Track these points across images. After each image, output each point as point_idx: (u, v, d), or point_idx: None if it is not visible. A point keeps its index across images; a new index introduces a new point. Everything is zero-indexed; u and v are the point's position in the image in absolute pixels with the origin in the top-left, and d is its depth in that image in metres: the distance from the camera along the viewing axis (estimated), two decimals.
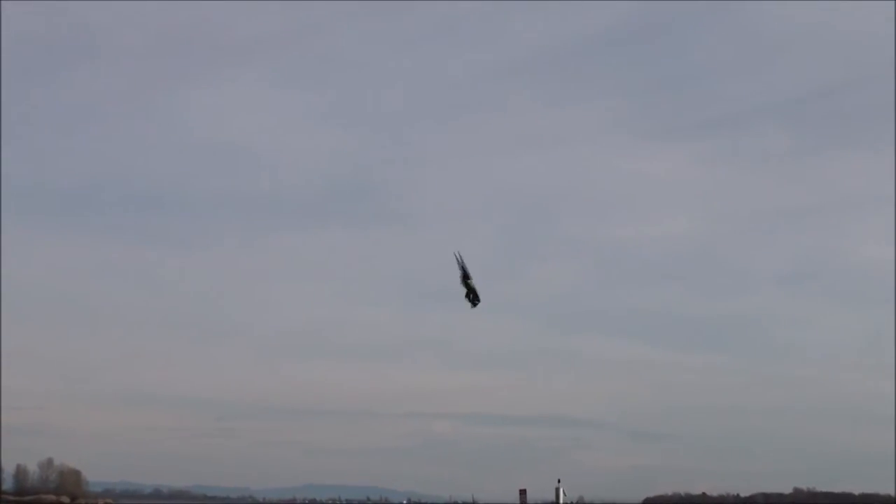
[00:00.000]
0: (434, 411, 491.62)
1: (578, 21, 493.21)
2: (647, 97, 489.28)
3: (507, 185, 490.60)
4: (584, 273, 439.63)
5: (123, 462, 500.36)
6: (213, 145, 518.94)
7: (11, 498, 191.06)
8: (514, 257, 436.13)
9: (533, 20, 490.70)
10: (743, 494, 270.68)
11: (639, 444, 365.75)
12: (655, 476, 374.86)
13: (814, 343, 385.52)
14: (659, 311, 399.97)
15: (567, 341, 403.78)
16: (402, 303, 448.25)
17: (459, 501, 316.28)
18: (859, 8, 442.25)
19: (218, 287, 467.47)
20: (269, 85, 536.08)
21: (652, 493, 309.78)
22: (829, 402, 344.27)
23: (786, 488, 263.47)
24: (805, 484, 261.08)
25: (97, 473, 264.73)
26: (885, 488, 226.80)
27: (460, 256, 33.87)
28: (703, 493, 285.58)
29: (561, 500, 46.73)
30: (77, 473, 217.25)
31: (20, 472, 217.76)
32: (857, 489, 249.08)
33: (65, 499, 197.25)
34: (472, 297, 34.40)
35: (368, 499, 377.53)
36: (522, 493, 48.16)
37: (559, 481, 46.61)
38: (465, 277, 34.08)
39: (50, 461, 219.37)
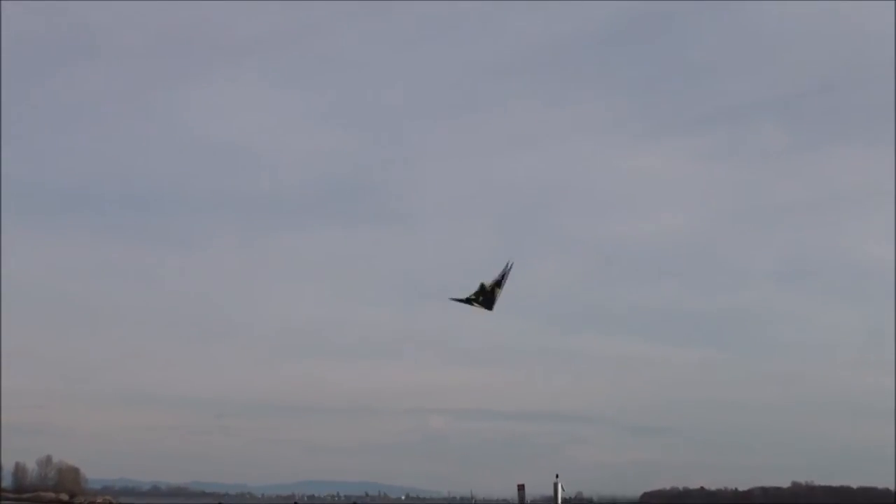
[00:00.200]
0: (432, 408, 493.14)
1: (576, 19, 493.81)
2: (646, 94, 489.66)
3: (506, 183, 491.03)
4: (583, 270, 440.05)
5: (122, 459, 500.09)
6: (212, 145, 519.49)
7: (11, 496, 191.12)
8: (512, 254, 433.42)
9: (531, 19, 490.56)
10: (741, 489, 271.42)
11: (637, 440, 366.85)
12: (653, 471, 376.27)
13: (812, 338, 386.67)
14: (658, 307, 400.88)
15: (565, 337, 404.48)
16: (400, 301, 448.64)
17: (458, 497, 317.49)
18: (858, 5, 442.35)
19: (217, 286, 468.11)
20: (268, 84, 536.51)
21: (650, 488, 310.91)
22: (828, 397, 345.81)
23: (784, 482, 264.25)
24: (803, 478, 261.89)
25: (96, 471, 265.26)
26: (883, 482, 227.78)
27: (510, 267, 33.82)
28: (702, 488, 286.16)
29: (559, 496, 46.84)
30: (76, 471, 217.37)
31: (19, 470, 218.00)
32: (855, 483, 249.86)
33: (63, 496, 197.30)
34: (487, 302, 34.25)
35: (367, 495, 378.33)
36: (521, 488, 48.29)
37: (557, 476, 46.74)
38: (497, 284, 33.96)
39: (49, 459, 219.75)
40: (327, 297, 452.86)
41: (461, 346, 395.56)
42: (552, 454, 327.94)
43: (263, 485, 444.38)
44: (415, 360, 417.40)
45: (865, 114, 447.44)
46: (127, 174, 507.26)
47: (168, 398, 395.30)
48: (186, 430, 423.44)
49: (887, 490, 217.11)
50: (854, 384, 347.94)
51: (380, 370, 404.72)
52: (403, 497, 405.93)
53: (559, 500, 47.15)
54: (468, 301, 34.29)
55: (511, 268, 34.73)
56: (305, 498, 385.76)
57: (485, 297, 35.07)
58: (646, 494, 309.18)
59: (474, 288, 34.91)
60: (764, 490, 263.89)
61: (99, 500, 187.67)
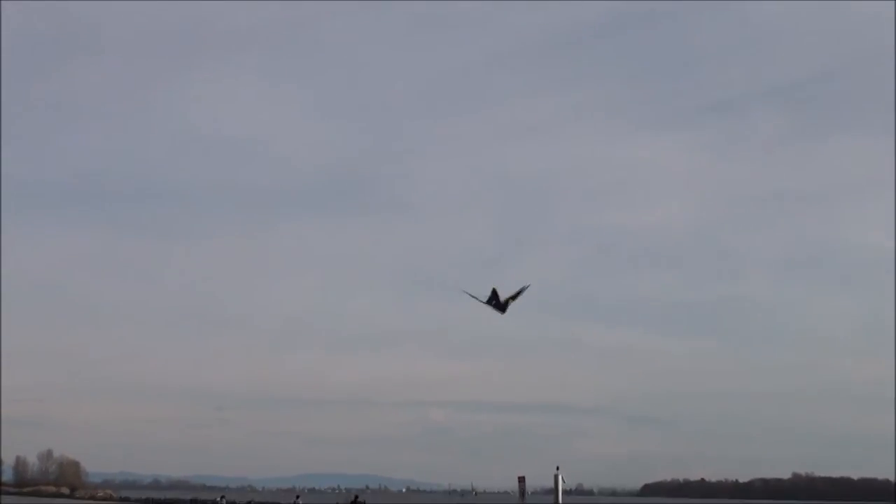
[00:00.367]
0: (432, 399, 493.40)
1: (574, 8, 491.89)
2: (644, 84, 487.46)
3: (504, 173, 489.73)
4: (582, 260, 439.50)
5: (122, 453, 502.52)
6: (212, 137, 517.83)
7: (11, 489, 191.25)
8: (510, 245, 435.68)
9: (528, 8, 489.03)
10: (741, 480, 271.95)
11: (637, 431, 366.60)
12: (654, 462, 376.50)
13: (812, 328, 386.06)
14: (657, 298, 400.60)
15: (564, 329, 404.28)
16: (399, 292, 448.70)
17: (458, 489, 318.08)
18: None
19: (216, 279, 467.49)
20: (267, 77, 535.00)
21: (650, 480, 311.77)
22: (828, 388, 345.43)
23: (784, 474, 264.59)
24: (804, 469, 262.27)
25: (96, 464, 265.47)
26: (884, 473, 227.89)
27: (527, 288, 33.63)
28: (702, 479, 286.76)
29: (560, 488, 46.68)
30: (76, 465, 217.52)
31: (20, 464, 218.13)
32: (856, 474, 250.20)
33: (64, 490, 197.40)
34: (499, 304, 33.97)
35: (367, 487, 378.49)
36: (521, 480, 48.15)
37: (558, 468, 46.51)
38: (512, 298, 33.72)
39: (49, 453, 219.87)
40: (327, 289, 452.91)
41: (461, 338, 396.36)
42: (553, 446, 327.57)
43: (264, 477, 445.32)
44: (415, 353, 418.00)
45: (865, 102, 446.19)
46: (126, 167, 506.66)
47: (168, 391, 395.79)
48: (187, 423, 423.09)
49: (888, 481, 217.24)
50: (854, 374, 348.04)
51: (379, 361, 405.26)
52: (404, 489, 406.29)
53: (560, 492, 46.97)
54: (484, 301, 34.06)
55: (527, 289, 34.57)
56: (306, 490, 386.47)
57: (497, 304, 34.86)
58: (646, 486, 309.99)
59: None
60: (764, 482, 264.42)
61: (100, 494, 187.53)
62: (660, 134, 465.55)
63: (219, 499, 76.62)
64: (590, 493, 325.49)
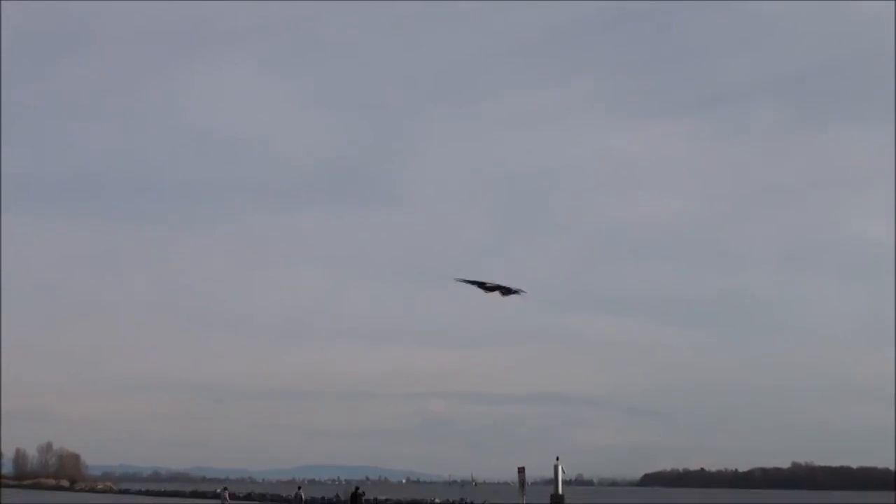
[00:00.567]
0: (432, 391, 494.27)
1: (573, 1, 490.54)
2: (643, 76, 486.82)
3: (502, 165, 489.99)
4: (581, 252, 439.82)
5: (122, 445, 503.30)
6: (211, 133, 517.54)
7: (11, 482, 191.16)
8: (508, 237, 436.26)
9: (527, 2, 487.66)
10: (741, 470, 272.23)
11: (637, 422, 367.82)
12: (654, 453, 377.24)
13: (812, 320, 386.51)
14: (657, 289, 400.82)
15: (563, 320, 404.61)
16: (398, 284, 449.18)
17: (458, 480, 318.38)
18: None
19: (216, 271, 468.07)
20: (266, 73, 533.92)
21: (650, 470, 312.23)
22: (827, 378, 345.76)
23: (784, 463, 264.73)
24: (803, 459, 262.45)
25: (96, 457, 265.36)
26: (883, 462, 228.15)
27: (520, 294, 33.43)
28: (702, 469, 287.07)
29: (560, 478, 46.50)
30: (76, 457, 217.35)
31: (19, 457, 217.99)
32: (855, 464, 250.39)
33: (64, 482, 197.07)
34: (501, 288, 33.68)
35: (367, 479, 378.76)
36: (521, 471, 47.98)
37: (558, 459, 46.29)
38: (501, 291, 33.43)
39: (49, 445, 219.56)
40: (326, 281, 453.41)
41: (460, 329, 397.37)
42: (552, 437, 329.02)
43: (264, 469, 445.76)
44: (414, 344, 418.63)
45: (866, 94, 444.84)
46: (124, 162, 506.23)
47: (168, 383, 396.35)
48: (187, 415, 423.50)
49: (887, 470, 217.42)
50: (854, 365, 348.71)
51: (378, 353, 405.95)
52: (404, 481, 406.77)
53: (560, 483, 46.78)
54: (478, 284, 33.73)
55: (520, 294, 34.26)
56: (306, 482, 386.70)
57: (500, 288, 34.48)
58: (646, 476, 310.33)
59: (476, 277, 34.37)
60: (764, 471, 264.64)
61: (100, 487, 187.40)
62: (660, 126, 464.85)
63: (220, 490, 76.37)
64: (590, 483, 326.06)
